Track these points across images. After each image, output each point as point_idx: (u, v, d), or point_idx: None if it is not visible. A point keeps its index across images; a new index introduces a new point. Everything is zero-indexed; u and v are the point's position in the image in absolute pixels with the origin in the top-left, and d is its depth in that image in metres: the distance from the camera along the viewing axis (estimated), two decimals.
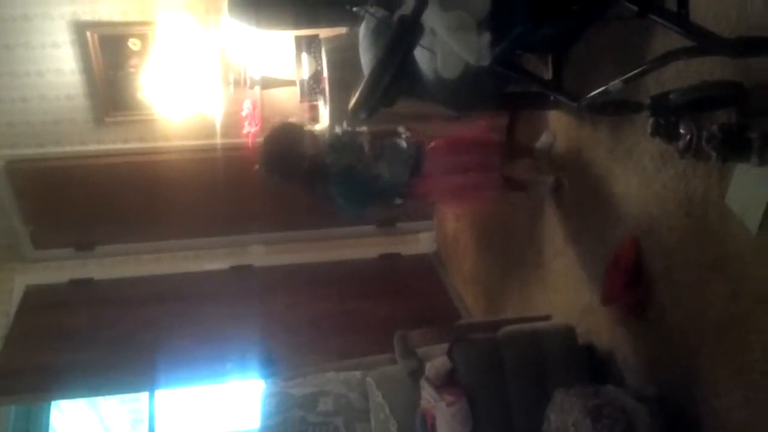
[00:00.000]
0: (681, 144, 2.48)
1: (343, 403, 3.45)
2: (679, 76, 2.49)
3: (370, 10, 2.32)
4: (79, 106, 5.07)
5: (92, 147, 5.24)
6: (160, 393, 4.85)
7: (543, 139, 3.70)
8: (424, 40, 2.12)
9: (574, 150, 3.43)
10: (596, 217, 3.25)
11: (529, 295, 4.09)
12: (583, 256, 3.41)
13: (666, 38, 2.52)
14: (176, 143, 5.26)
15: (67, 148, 5.21)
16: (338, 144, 3.38)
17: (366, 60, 3.17)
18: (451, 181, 3.40)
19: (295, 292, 5.45)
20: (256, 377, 4.08)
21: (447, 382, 3.11)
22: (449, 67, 2.16)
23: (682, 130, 2.46)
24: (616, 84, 1.95)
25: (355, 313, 5.21)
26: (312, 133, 3.50)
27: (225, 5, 4.16)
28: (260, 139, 3.66)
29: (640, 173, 2.83)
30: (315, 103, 4.77)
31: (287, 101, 4.95)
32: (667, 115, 2.37)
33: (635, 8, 1.68)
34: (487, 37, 1.92)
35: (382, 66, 1.77)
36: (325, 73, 4.41)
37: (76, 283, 5.71)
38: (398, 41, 1.72)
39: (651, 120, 2.46)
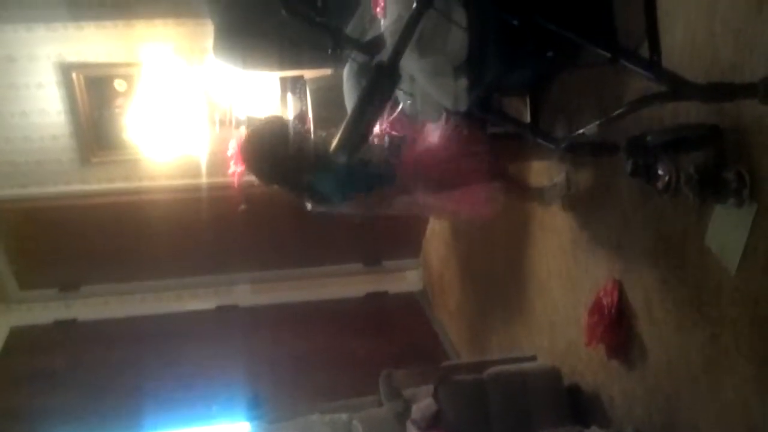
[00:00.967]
0: (660, 184, 2.49)
1: None
2: (656, 117, 2.52)
3: (351, 55, 2.34)
4: (64, 146, 5.07)
5: (77, 187, 5.24)
6: None
7: (555, 180, 3.49)
8: (404, 84, 2.15)
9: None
10: (577, 257, 3.26)
11: (514, 335, 4.09)
12: (566, 297, 3.41)
13: (642, 80, 2.55)
14: (161, 183, 5.27)
15: (52, 189, 5.20)
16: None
17: (350, 101, 3.20)
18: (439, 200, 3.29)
19: (282, 332, 5.42)
20: (241, 419, 4.03)
21: (433, 424, 3.09)
22: (428, 111, 2.18)
23: (660, 171, 2.47)
24: (591, 128, 1.97)
25: (342, 352, 5.18)
26: (289, 126, 3.37)
27: (210, 46, 4.19)
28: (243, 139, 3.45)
29: (619, 213, 2.85)
30: None
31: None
32: (645, 156, 2.40)
33: (607, 54, 1.70)
34: (464, 82, 1.94)
35: (360, 111, 1.78)
36: (310, 114, 4.44)
37: (60, 324, 5.67)
38: (376, 87, 1.73)
39: (629, 161, 2.49)
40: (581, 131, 2.02)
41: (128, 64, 4.82)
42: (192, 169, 5.17)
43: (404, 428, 3.17)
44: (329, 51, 2.26)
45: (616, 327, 2.85)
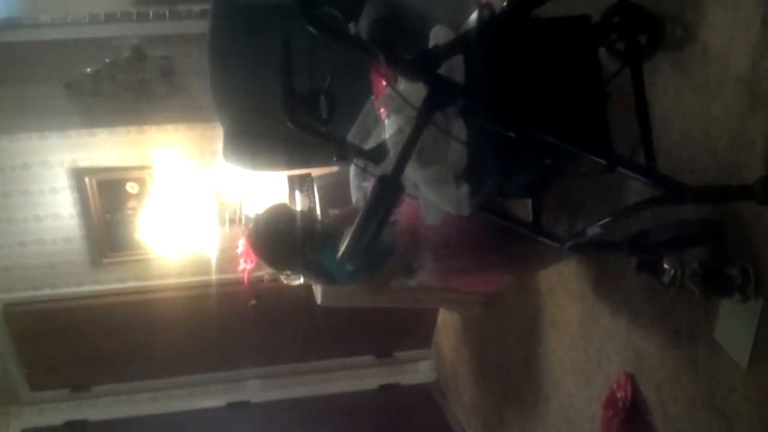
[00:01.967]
0: (666, 279, 2.51)
1: None
2: (659, 213, 2.55)
3: (356, 162, 2.41)
4: (76, 248, 5.15)
5: (89, 288, 5.29)
6: None
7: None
8: (408, 188, 2.20)
9: (562, 285, 3.46)
10: (589, 352, 3.24)
11: (530, 430, 4.03)
12: (581, 392, 3.38)
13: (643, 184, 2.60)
14: (172, 281, 5.32)
15: (63, 290, 5.26)
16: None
17: (356, 198, 3.26)
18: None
19: (294, 429, 5.35)
20: None
21: None
22: (432, 216, 2.23)
23: (666, 266, 2.49)
24: (593, 229, 2.00)
25: None
26: (300, 212, 3.46)
27: (219, 149, 4.30)
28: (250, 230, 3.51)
29: (628, 306, 2.86)
30: None
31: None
32: (648, 253, 2.42)
33: (604, 162, 1.75)
34: (465, 188, 1.99)
35: (365, 222, 1.83)
36: (318, 209, 4.51)
37: (71, 426, 5.62)
38: (380, 200, 1.78)
39: (635, 258, 2.51)
40: (583, 231, 2.06)
41: (140, 168, 4.94)
42: (202, 266, 5.22)
43: None
44: (334, 158, 2.34)
45: (632, 421, 2.82)
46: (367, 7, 3.53)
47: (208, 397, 5.74)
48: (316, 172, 4.61)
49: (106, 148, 4.85)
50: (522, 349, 4.06)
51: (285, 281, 4.67)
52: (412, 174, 2.06)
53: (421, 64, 1.83)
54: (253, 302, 5.24)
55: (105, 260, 5.22)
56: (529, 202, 2.50)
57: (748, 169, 2.09)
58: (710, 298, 2.28)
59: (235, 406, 5.72)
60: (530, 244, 2.94)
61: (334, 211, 3.54)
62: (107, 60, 4.67)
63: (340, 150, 2.32)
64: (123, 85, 4.70)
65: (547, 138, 1.74)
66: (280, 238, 3.12)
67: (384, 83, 2.37)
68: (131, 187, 4.97)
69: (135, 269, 5.30)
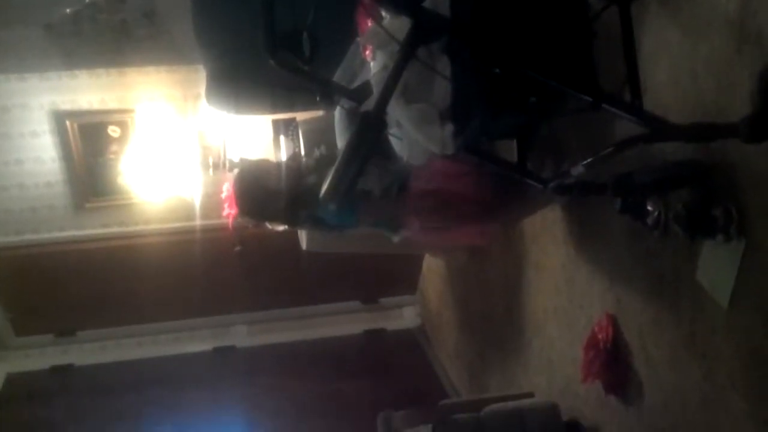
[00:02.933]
0: (650, 221, 2.51)
1: None
2: (644, 155, 2.54)
3: (340, 102, 2.37)
4: (58, 193, 5.10)
5: (72, 233, 5.26)
6: None
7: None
8: (392, 128, 2.17)
9: (546, 231, 3.47)
10: (572, 295, 3.26)
11: (513, 374, 4.07)
12: (563, 335, 3.41)
13: (628, 122, 2.58)
14: (156, 226, 5.29)
15: (47, 235, 5.22)
16: (322, 162, 3.29)
17: (341, 142, 3.23)
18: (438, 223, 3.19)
19: (279, 373, 5.39)
20: None
21: None
22: (416, 156, 2.20)
23: (649, 208, 2.49)
24: (577, 169, 1.99)
25: (341, 393, 5.15)
26: (281, 165, 3.42)
27: (203, 92, 4.24)
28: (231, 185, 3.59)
29: (612, 250, 2.86)
30: None
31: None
32: (633, 194, 2.41)
33: (589, 99, 1.73)
34: (449, 127, 1.96)
35: (347, 160, 1.81)
36: (303, 155, 4.47)
37: (57, 370, 5.64)
38: (362, 136, 1.76)
39: (619, 199, 2.50)
40: (567, 172, 2.04)
41: (122, 111, 4.87)
42: (186, 211, 5.20)
43: None
44: (317, 99, 2.30)
45: (613, 363, 2.85)
46: None
47: (194, 341, 5.77)
48: (301, 116, 4.55)
49: (86, 90, 4.78)
50: (506, 295, 4.08)
51: (269, 227, 4.65)
52: (395, 112, 2.03)
53: None
54: (237, 248, 5.24)
55: (88, 205, 5.18)
56: (514, 145, 2.48)
57: (733, 110, 2.07)
58: (693, 240, 2.29)
59: (221, 351, 5.76)
60: (515, 191, 2.95)
61: (320, 150, 3.48)
62: (87, 0, 4.56)
63: (323, 89, 2.28)
64: (103, 25, 4.58)
65: (533, 74, 1.71)
66: (262, 193, 3.14)
67: (369, 23, 2.33)
68: (113, 131, 4.91)
69: (118, 214, 5.26)
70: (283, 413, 4.97)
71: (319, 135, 4.15)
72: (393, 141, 2.42)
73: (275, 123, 4.74)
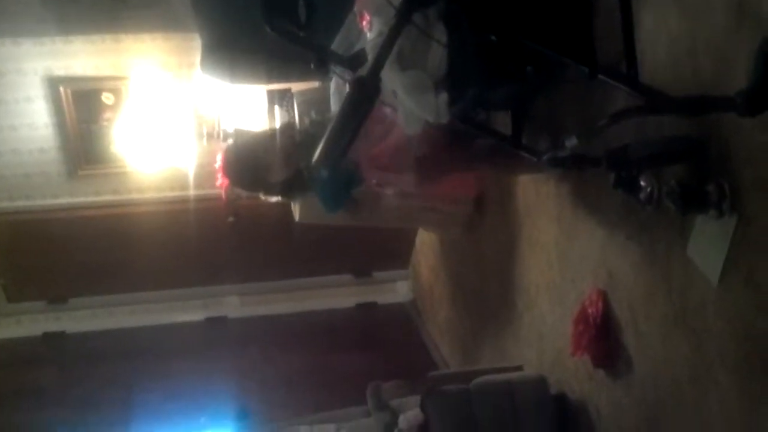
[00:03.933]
0: (642, 196, 2.50)
1: None
2: (639, 129, 2.53)
3: (336, 70, 2.36)
4: (51, 159, 5.08)
5: (65, 200, 5.24)
6: None
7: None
8: (387, 97, 2.16)
9: (540, 205, 3.47)
10: (564, 270, 3.27)
11: (504, 348, 4.09)
12: (554, 309, 3.43)
13: (625, 96, 2.57)
14: (149, 195, 5.28)
15: (39, 202, 5.20)
16: (314, 128, 3.20)
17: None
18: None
19: (270, 345, 5.41)
20: (229, 430, 4.04)
21: None
22: (410, 124, 2.19)
23: (642, 183, 2.48)
24: (571, 140, 1.98)
25: (331, 365, 5.17)
26: (275, 134, 3.28)
27: (198, 61, 4.21)
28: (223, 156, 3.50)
29: (605, 225, 2.87)
30: None
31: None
32: (627, 169, 2.41)
33: (586, 69, 1.72)
34: (444, 96, 1.95)
35: (341, 124, 1.80)
36: (298, 126, 4.45)
37: (49, 337, 5.65)
38: (355, 102, 1.75)
39: (612, 173, 2.50)
40: (561, 144, 2.04)
41: (116, 78, 4.84)
42: (180, 181, 5.19)
43: None
44: (312, 66, 2.28)
45: (602, 337, 2.86)
46: None
47: (186, 311, 5.78)
48: (296, 87, 4.53)
49: (81, 56, 4.74)
50: (498, 270, 4.09)
51: (263, 198, 4.65)
52: (390, 79, 2.02)
53: None
54: (231, 219, 5.23)
55: (81, 172, 5.16)
56: (509, 116, 2.47)
57: (731, 89, 2.06)
58: (686, 215, 2.29)
59: (212, 321, 5.77)
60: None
61: (316, 118, 3.44)
62: None
63: (318, 57, 2.26)
64: None
65: (530, 43, 1.70)
66: (255, 164, 3.09)
67: None
68: (107, 98, 4.88)
69: (112, 182, 5.25)
70: (274, 383, 5.00)
71: (315, 106, 4.13)
72: None
73: (270, 93, 4.72)
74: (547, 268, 3.45)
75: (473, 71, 1.85)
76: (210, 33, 4.04)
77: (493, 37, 1.70)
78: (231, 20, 3.86)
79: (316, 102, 4.10)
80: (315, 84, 4.31)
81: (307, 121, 3.34)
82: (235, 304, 5.87)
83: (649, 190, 2.47)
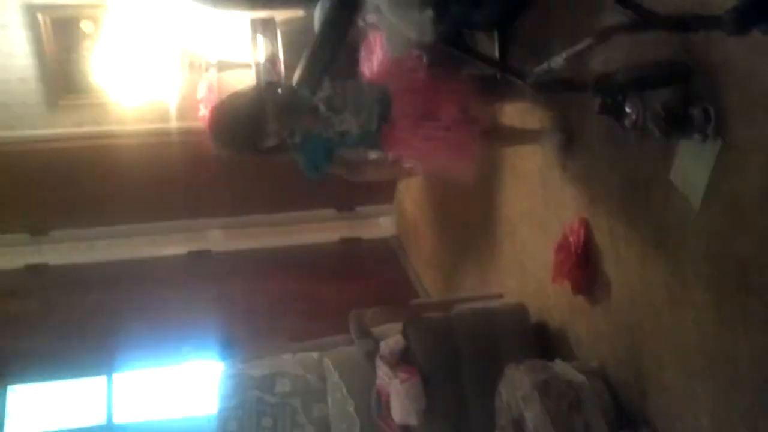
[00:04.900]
0: (627, 122, 2.51)
1: (300, 384, 3.48)
2: (626, 56, 2.52)
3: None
4: (31, 89, 4.97)
5: (45, 131, 5.15)
6: (117, 377, 4.82)
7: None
8: (370, 15, 2.13)
9: (527, 131, 3.45)
10: (547, 199, 3.29)
11: (486, 278, 4.13)
12: (535, 238, 3.45)
13: (612, 16, 2.54)
14: (131, 127, 5.19)
15: (19, 132, 5.11)
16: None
17: None
18: (424, 130, 2.86)
19: (254, 277, 5.42)
20: (214, 359, 4.08)
21: (401, 360, 3.14)
22: (395, 44, 2.16)
23: (628, 109, 2.48)
24: (557, 60, 1.97)
25: (315, 297, 5.20)
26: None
27: None
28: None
29: (588, 154, 2.87)
30: None
31: (243, 84, 4.90)
32: (613, 94, 2.40)
33: None
34: (429, 14, 1.92)
35: (321, 42, 1.77)
36: (281, 56, 4.39)
37: (31, 269, 5.62)
38: (336, 17, 1.72)
39: (598, 99, 2.49)
40: (547, 64, 2.02)
41: (95, 5, 4.72)
42: (162, 113, 5.11)
43: (374, 365, 3.21)
44: None
45: (582, 264, 2.90)
46: None
47: (170, 244, 5.75)
48: (280, 16, 4.45)
49: None
50: (482, 201, 4.10)
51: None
52: None
53: None
54: (214, 152, 5.17)
55: (61, 102, 5.06)
56: (495, 39, 2.44)
57: (719, 6, 2.05)
58: (670, 139, 2.30)
59: (196, 255, 5.76)
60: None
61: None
62: None
63: None
64: None
65: None
66: (242, 128, 2.77)
67: None
68: (86, 26, 4.77)
69: (92, 113, 5.15)
70: (257, 314, 5.03)
71: (299, 36, 4.08)
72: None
73: (253, 22, 4.62)
74: (529, 197, 3.47)
75: None
76: None
77: None
78: None
79: (299, 32, 4.05)
80: (299, 12, 4.24)
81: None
82: (218, 237, 5.85)
83: (634, 116, 2.47)
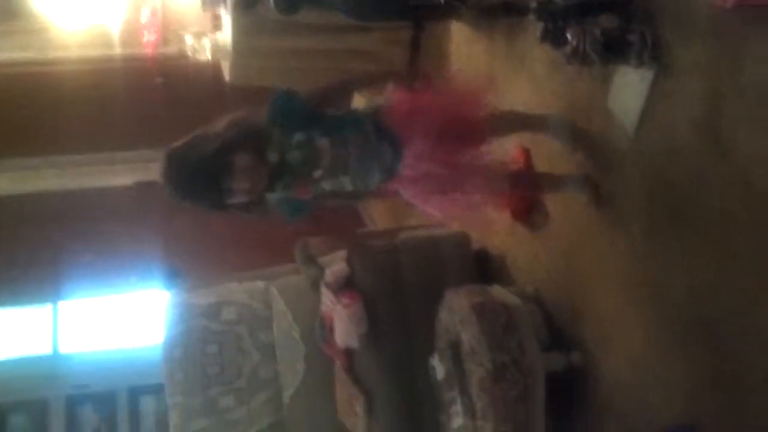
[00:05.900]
0: (568, 49, 2.52)
1: (246, 312, 3.50)
2: None
3: None
4: None
5: None
6: (64, 306, 4.80)
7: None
8: None
9: (473, 56, 3.46)
10: None
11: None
12: None
13: None
14: (74, 54, 5.06)
15: None
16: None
17: None
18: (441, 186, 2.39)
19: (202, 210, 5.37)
20: (160, 288, 4.08)
21: (345, 287, 3.17)
22: None
23: (569, 36, 2.49)
24: None
25: (262, 229, 5.18)
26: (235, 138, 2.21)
27: None
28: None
29: (532, 80, 2.90)
30: (217, 11, 4.62)
31: (188, 9, 4.80)
32: (554, 20, 2.41)
33: None
34: None
35: None
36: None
37: None
38: None
39: (540, 25, 2.50)
40: None
41: None
42: (105, 39, 4.98)
43: (319, 293, 3.24)
44: None
45: (523, 192, 2.94)
46: None
47: (116, 175, 5.65)
48: None
49: None
50: None
51: (192, 55, 4.52)
52: None
53: None
54: (159, 80, 5.09)
55: (1, 28, 4.90)
56: None
57: None
58: (608, 64, 2.32)
59: (143, 186, 5.68)
60: None
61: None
62: None
63: None
64: None
65: None
66: (206, 176, 2.16)
67: None
68: None
69: (34, 39, 5.00)
70: (205, 246, 5.01)
71: None
72: None
73: None
74: None
75: None
76: None
77: None
78: None
79: None
80: None
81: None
82: None
83: (575, 43, 2.48)
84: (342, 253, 3.36)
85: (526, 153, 2.95)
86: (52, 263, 4.85)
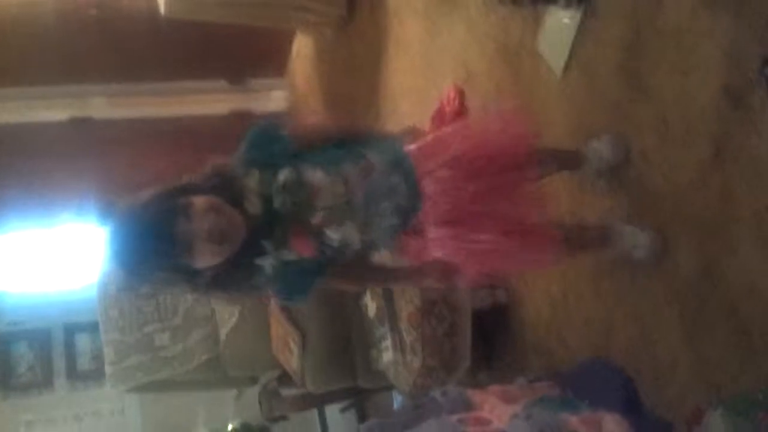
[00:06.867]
0: None
1: None
2: None
3: None
4: None
5: None
6: None
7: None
8: None
9: (410, 2, 3.45)
10: (426, 71, 3.33)
11: None
12: (414, 111, 3.49)
13: None
14: None
15: None
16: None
17: None
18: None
19: (139, 147, 5.28)
20: (94, 224, 4.05)
21: None
22: None
23: None
24: None
25: (201, 168, 5.14)
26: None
27: None
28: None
29: (466, 22, 2.91)
30: None
31: None
32: None
33: None
34: None
35: None
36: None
37: None
38: None
39: None
40: None
41: None
42: None
43: None
44: None
45: None
46: None
47: (49, 110, 5.49)
48: None
49: None
50: (368, 75, 4.09)
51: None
52: None
53: None
54: (93, 11, 4.94)
55: None
56: None
57: None
58: (537, 6, 2.35)
59: (77, 122, 5.54)
60: None
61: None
62: None
63: None
64: None
65: None
66: (161, 240, 1.60)
67: None
68: None
69: None
70: (140, 185, 4.94)
71: None
72: None
73: None
74: (411, 68, 3.50)
75: None
76: None
77: None
78: None
79: None
80: None
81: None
82: (101, 104, 5.63)
83: None
84: None
85: (459, 91, 2.98)
86: None
